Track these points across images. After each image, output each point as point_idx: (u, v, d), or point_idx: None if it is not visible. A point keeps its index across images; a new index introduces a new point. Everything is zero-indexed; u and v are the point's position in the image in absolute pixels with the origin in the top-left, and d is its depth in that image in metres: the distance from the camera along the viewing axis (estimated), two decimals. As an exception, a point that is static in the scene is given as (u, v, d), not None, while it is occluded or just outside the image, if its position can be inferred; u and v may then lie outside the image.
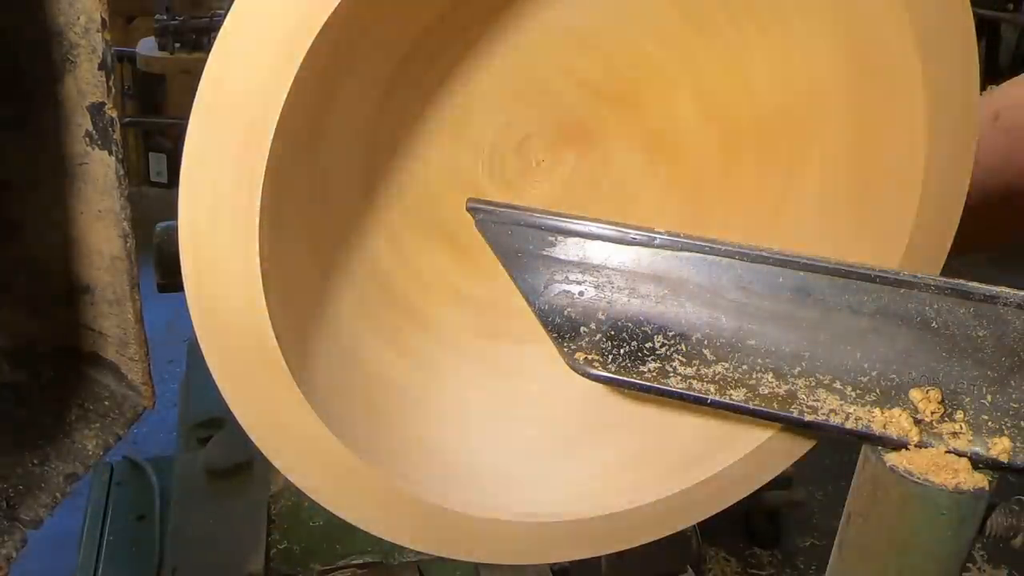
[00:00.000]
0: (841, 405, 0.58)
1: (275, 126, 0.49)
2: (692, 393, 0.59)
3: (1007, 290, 0.57)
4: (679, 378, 0.60)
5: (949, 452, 0.55)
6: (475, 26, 0.63)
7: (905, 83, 0.58)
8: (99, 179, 0.57)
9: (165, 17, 3.00)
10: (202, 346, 0.54)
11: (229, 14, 0.48)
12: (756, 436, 0.66)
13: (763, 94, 0.64)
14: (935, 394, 0.57)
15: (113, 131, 0.55)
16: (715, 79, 0.64)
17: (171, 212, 0.53)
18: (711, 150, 0.67)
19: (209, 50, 0.49)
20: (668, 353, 0.61)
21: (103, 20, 0.53)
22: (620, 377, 0.61)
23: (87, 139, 0.56)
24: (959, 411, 0.57)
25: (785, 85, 0.63)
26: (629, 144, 0.68)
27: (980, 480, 0.54)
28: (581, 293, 0.63)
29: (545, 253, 0.63)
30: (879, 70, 0.60)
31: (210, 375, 0.55)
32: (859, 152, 0.64)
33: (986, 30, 3.75)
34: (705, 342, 0.61)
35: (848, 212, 0.66)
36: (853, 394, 0.58)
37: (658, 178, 0.69)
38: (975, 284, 0.58)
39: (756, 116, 0.64)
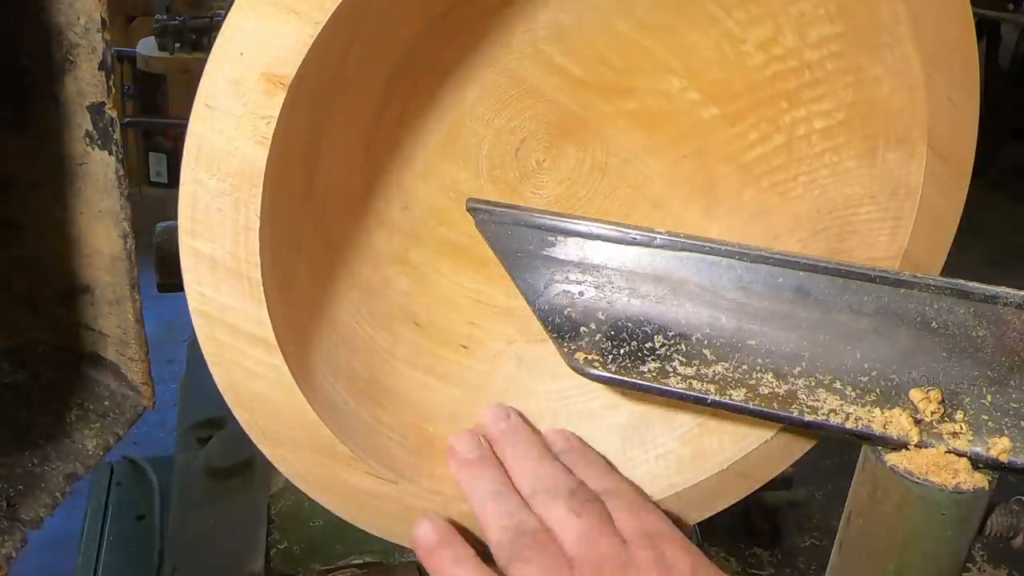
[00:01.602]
0: (841, 405, 0.58)
1: (264, 170, 0.49)
2: (692, 393, 0.59)
3: (1007, 290, 0.57)
4: (679, 378, 0.60)
5: (949, 452, 0.55)
6: (454, 43, 0.63)
7: (905, 81, 0.58)
8: (99, 179, 0.57)
9: (165, 17, 3.00)
10: (203, 348, 0.54)
11: (227, 19, 0.48)
12: (756, 436, 0.66)
13: (757, 67, 0.63)
14: (935, 394, 0.57)
15: (113, 131, 0.55)
16: (706, 59, 0.64)
17: (171, 212, 0.53)
18: (709, 116, 0.67)
19: (209, 50, 0.49)
20: (668, 353, 0.61)
21: (103, 20, 0.53)
22: (620, 377, 0.61)
23: (87, 139, 0.56)
24: (959, 411, 0.57)
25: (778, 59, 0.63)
26: (626, 122, 0.68)
27: (980, 480, 0.54)
28: (581, 293, 0.63)
29: (545, 253, 0.63)
30: (878, 71, 0.60)
31: (210, 375, 0.55)
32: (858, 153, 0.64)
33: (986, 30, 3.75)
34: (705, 342, 0.61)
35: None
36: (853, 394, 0.58)
37: (662, 150, 0.69)
38: (975, 284, 0.58)
39: (751, 85, 0.64)
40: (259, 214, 0.50)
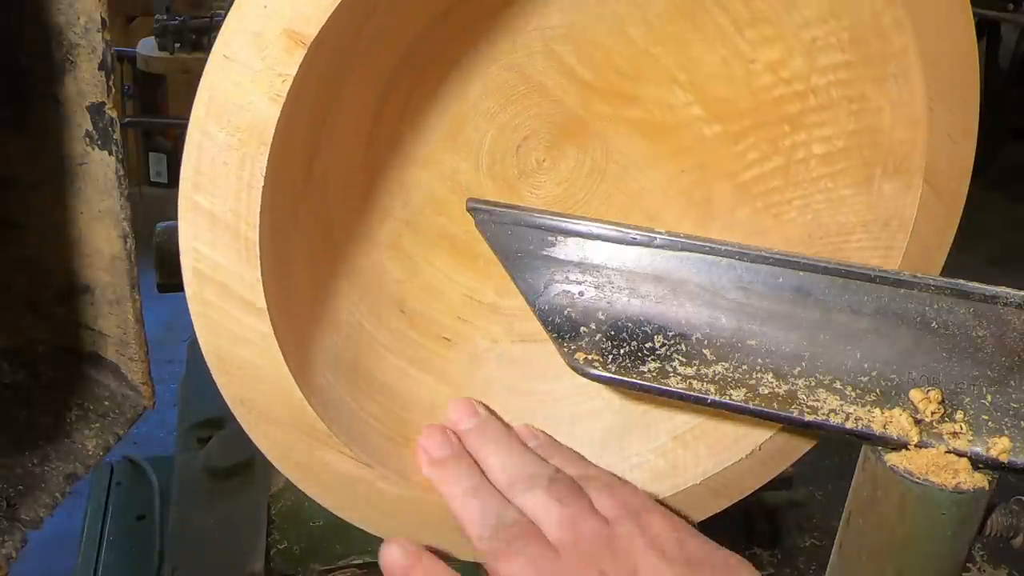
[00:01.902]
0: (841, 405, 0.58)
1: (274, 129, 0.49)
2: (692, 393, 0.59)
3: (1007, 290, 0.57)
4: (679, 378, 0.60)
5: (949, 452, 0.55)
6: (466, 33, 0.63)
7: (908, 113, 0.58)
8: (99, 179, 0.57)
9: (165, 17, 3.00)
10: (190, 307, 0.53)
11: (229, 14, 0.48)
12: (756, 436, 0.66)
13: (763, 87, 0.64)
14: (935, 394, 0.57)
15: (113, 131, 0.56)
16: (713, 74, 0.64)
17: (171, 212, 0.53)
18: (711, 133, 0.67)
19: (209, 50, 0.49)
20: (668, 353, 0.61)
21: (103, 20, 0.53)
22: (620, 377, 0.61)
23: (87, 139, 0.56)
24: (959, 411, 0.57)
25: (783, 79, 0.63)
26: (628, 130, 0.68)
27: (980, 480, 0.54)
28: (581, 293, 0.63)
29: (545, 253, 0.63)
30: (878, 69, 0.60)
31: (210, 375, 0.55)
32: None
33: (986, 30, 3.75)
34: (705, 342, 0.61)
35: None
36: (853, 394, 0.58)
37: (662, 161, 0.69)
38: (975, 284, 0.58)
39: (755, 105, 0.64)
40: (264, 173, 0.50)
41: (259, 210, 0.51)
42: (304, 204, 0.60)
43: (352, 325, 0.65)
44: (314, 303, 0.62)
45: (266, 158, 0.50)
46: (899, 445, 0.56)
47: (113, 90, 0.55)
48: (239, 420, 0.57)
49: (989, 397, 0.57)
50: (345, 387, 0.62)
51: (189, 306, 0.53)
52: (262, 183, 0.50)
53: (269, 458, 0.59)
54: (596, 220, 0.63)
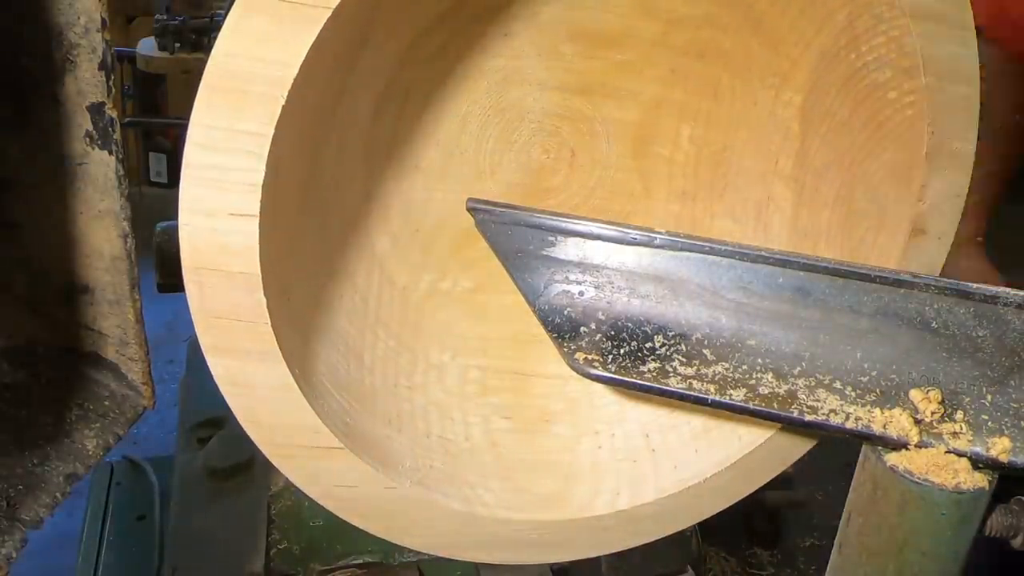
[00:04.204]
0: (841, 405, 0.58)
1: (276, 123, 0.49)
2: (692, 393, 0.59)
3: (1007, 290, 0.57)
4: (679, 378, 0.60)
5: (949, 452, 0.55)
6: (471, 28, 0.63)
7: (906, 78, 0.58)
8: (99, 179, 0.57)
9: (165, 17, 3.00)
10: (203, 346, 0.53)
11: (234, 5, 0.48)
12: (756, 436, 0.66)
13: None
14: (935, 394, 0.57)
15: (113, 131, 0.56)
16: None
17: (171, 212, 0.53)
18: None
19: (209, 50, 0.49)
20: (668, 353, 0.61)
21: (103, 20, 0.53)
22: (620, 377, 0.61)
23: (87, 139, 0.56)
24: (959, 411, 0.57)
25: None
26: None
27: (980, 480, 0.54)
28: (581, 293, 0.63)
29: (545, 253, 0.63)
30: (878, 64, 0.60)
31: (210, 375, 0.55)
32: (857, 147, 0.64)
33: (986, 30, 3.74)
34: (705, 342, 0.61)
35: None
36: (853, 394, 0.58)
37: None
38: (975, 284, 0.58)
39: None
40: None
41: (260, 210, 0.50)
42: (304, 215, 0.60)
43: (354, 335, 0.65)
44: (316, 315, 0.62)
45: (263, 174, 0.49)
46: (899, 445, 0.56)
47: (113, 90, 0.55)
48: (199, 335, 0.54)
49: (989, 397, 0.57)
50: (354, 401, 0.62)
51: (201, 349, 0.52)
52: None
53: (221, 386, 0.56)
54: (596, 220, 0.63)
